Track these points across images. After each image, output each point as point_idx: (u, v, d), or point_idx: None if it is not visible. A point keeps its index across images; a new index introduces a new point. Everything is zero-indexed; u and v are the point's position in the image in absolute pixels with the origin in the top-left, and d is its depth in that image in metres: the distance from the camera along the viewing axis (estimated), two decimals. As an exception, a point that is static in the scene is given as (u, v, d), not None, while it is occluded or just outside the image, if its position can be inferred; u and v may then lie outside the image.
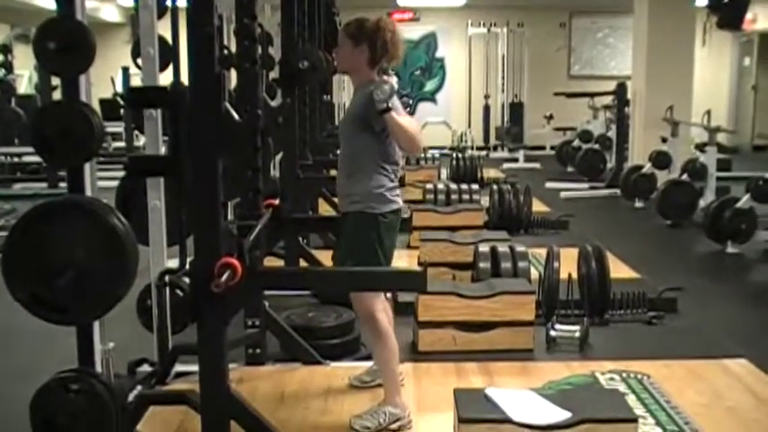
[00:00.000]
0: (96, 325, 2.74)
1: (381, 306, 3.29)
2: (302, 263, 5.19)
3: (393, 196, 3.28)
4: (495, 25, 15.59)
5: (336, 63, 3.53)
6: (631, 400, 3.49)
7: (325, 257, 5.39)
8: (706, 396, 3.59)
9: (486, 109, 15.67)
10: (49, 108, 2.67)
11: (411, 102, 16.50)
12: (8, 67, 11.58)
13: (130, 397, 3.07)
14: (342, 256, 3.31)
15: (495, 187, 7.47)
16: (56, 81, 9.23)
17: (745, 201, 6.94)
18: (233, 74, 4.70)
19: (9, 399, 3.73)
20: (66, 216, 2.53)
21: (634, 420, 2.78)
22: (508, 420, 2.70)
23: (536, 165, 13.35)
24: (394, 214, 3.29)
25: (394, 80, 3.19)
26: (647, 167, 9.33)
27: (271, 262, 5.01)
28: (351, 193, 3.30)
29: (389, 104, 3.07)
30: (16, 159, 11.49)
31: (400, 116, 3.14)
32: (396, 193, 3.30)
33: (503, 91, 15.46)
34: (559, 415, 2.75)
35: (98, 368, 2.77)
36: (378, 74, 3.29)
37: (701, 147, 9.35)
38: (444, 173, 10.25)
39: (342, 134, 3.43)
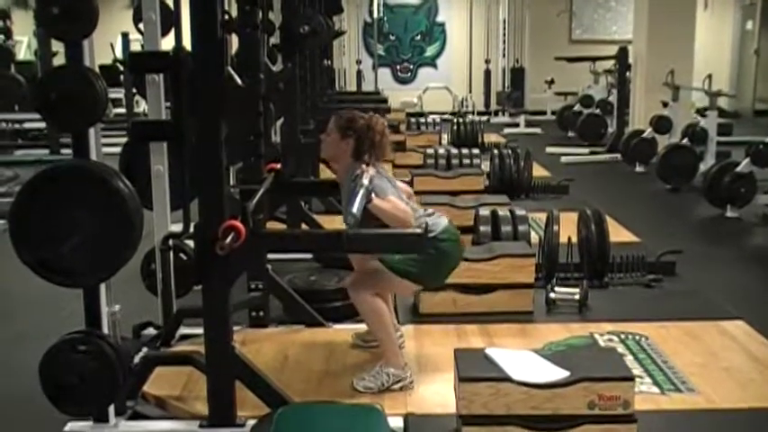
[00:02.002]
0: (102, 288, 2.79)
1: (372, 294, 3.33)
2: (304, 227, 5.22)
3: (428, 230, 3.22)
4: (496, -11, 15.49)
5: (321, 149, 3.55)
6: (629, 360, 3.54)
7: (327, 222, 5.43)
8: (702, 356, 3.64)
9: (487, 74, 15.61)
10: (54, 73, 2.69)
11: (411, 67, 16.45)
12: (7, 33, 11.53)
13: (137, 358, 3.13)
14: None
15: (495, 152, 7.49)
16: (56, 47, 9.15)
17: (744, 165, 6.96)
18: (234, 39, 4.70)
19: (16, 362, 3.80)
20: (72, 180, 2.57)
21: (631, 379, 2.83)
22: (507, 379, 2.75)
23: (537, 129, 13.34)
24: (437, 243, 3.27)
25: (370, 172, 3.17)
26: (648, 132, 9.34)
27: (273, 226, 5.05)
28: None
29: (369, 198, 3.07)
30: (17, 126, 11.49)
31: (384, 200, 3.13)
32: (429, 223, 3.26)
33: (504, 56, 15.38)
34: (558, 374, 2.80)
35: (105, 330, 2.82)
36: (358, 163, 3.29)
37: (701, 111, 9.35)
38: (445, 138, 10.25)
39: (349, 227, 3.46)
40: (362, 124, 3.36)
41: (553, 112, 13.95)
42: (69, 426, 2.93)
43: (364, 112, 3.52)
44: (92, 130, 2.67)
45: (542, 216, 5.10)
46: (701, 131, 8.50)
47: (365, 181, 3.11)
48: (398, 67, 16.54)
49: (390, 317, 3.38)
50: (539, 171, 8.32)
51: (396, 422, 2.93)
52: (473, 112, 14.66)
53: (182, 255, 3.63)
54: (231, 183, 4.68)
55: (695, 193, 7.69)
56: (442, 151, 7.84)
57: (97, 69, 2.81)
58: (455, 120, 10.61)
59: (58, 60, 9.30)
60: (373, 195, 3.10)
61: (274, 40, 6.37)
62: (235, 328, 3.04)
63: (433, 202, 5.48)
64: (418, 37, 16.47)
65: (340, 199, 3.57)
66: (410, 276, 3.30)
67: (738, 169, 6.96)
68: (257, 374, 2.88)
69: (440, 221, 3.36)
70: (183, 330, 3.68)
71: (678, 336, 3.89)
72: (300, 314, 3.96)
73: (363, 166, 3.25)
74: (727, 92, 11.73)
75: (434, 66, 16.59)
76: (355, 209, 2.99)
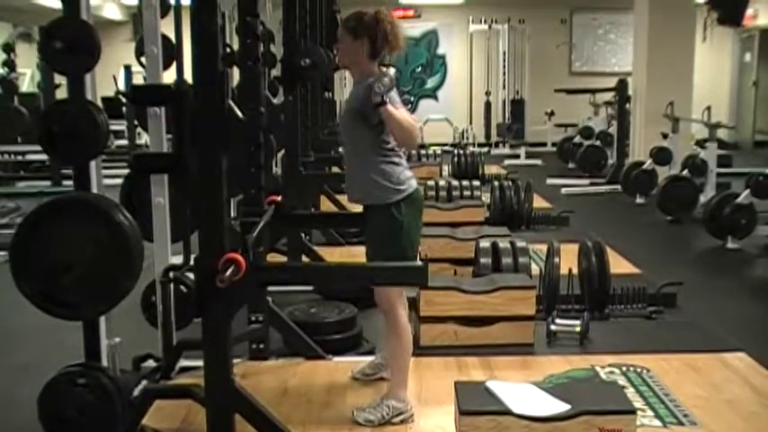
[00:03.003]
0: (102, 320, 2.78)
1: (402, 300, 3.33)
2: (304, 259, 5.22)
3: (402, 182, 3.25)
4: (496, 22, 15.62)
5: (337, 58, 3.53)
6: (630, 393, 3.52)
7: (328, 253, 5.43)
8: (705, 389, 3.62)
9: (488, 106, 15.69)
10: (56, 107, 2.71)
11: (412, 99, 16.53)
12: (11, 65, 11.62)
13: (136, 391, 3.11)
14: (369, 253, 3.35)
15: (496, 183, 7.50)
16: (59, 79, 9.22)
17: (745, 196, 6.97)
18: (235, 71, 4.73)
19: (15, 395, 3.78)
20: (72, 213, 2.57)
21: (632, 412, 2.82)
22: (508, 412, 2.74)
23: (537, 161, 13.38)
24: (409, 198, 3.25)
25: (392, 72, 3.17)
26: (648, 163, 9.37)
27: (273, 258, 5.05)
28: (359, 189, 3.33)
29: (386, 98, 3.07)
30: (20, 158, 11.54)
31: (396, 106, 3.15)
32: (405, 176, 3.27)
33: (504, 88, 15.48)
34: (559, 407, 2.79)
35: (104, 363, 2.81)
36: (378, 66, 3.29)
37: (701, 143, 9.39)
38: (446, 169, 10.28)
39: (342, 129, 3.46)
40: (370, 19, 3.27)
41: (553, 144, 14.01)
42: (68, 459, 2.91)
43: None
44: (93, 163, 2.69)
45: (543, 248, 5.10)
46: (701, 163, 8.53)
47: (392, 72, 3.10)
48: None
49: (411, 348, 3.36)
50: (539, 202, 8.33)
51: (396, 456, 2.92)
52: (473, 144, 14.72)
53: (182, 287, 3.63)
54: (232, 215, 4.69)
55: (695, 225, 7.69)
56: (442, 183, 7.86)
57: (99, 102, 2.83)
58: (456, 151, 10.64)
59: (61, 93, 9.36)
60: (387, 99, 3.08)
61: (276, 72, 6.42)
62: (235, 360, 3.03)
63: (434, 233, 5.50)
64: (419, 69, 16.59)
65: (341, 232, 3.57)
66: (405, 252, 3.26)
67: (738, 200, 6.97)
68: (257, 408, 2.86)
69: (413, 182, 3.32)
70: (183, 363, 3.67)
71: (680, 368, 3.87)
72: (300, 346, 3.95)
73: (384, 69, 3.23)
74: (727, 123, 11.78)
75: (435, 98, 16.68)
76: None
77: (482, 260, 4.81)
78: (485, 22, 15.73)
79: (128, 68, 11.33)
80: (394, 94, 3.20)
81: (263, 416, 2.86)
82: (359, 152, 3.30)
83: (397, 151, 3.29)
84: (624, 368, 3.88)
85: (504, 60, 15.43)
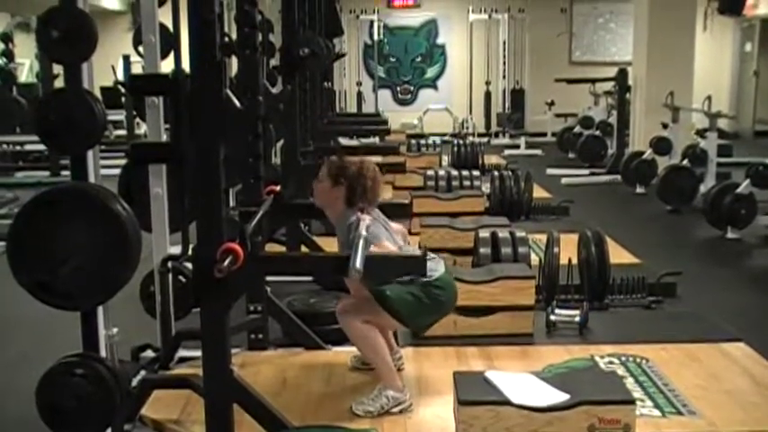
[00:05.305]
0: (100, 310, 2.78)
1: (366, 319, 3.29)
2: (304, 249, 5.21)
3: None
4: (495, 11, 15.58)
5: (313, 196, 3.58)
6: (630, 383, 3.52)
7: (327, 244, 5.42)
8: (704, 379, 3.61)
9: (488, 95, 15.67)
10: (53, 96, 2.70)
11: (412, 89, 16.51)
12: (9, 55, 11.60)
13: (134, 381, 3.12)
14: None
15: (496, 173, 7.47)
16: (57, 69, 9.23)
17: (745, 186, 6.96)
18: (234, 61, 4.71)
19: (13, 385, 3.78)
20: (70, 203, 2.56)
21: (632, 402, 2.82)
22: (507, 402, 2.73)
23: (537, 151, 13.37)
24: (432, 286, 3.26)
25: (366, 221, 3.20)
26: (648, 153, 9.36)
27: (272, 248, 5.05)
28: None
29: (361, 265, 3.04)
30: (18, 148, 11.52)
31: (378, 246, 3.15)
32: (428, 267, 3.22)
33: (504, 77, 15.45)
34: (558, 397, 2.78)
35: (102, 353, 2.80)
36: (353, 210, 3.32)
37: (701, 132, 9.38)
38: (445, 159, 10.26)
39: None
40: (353, 171, 3.37)
41: (553, 134, 13.99)
42: (66, 449, 2.91)
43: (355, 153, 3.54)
44: (90, 153, 2.67)
45: (542, 237, 5.09)
46: (701, 153, 8.52)
47: (363, 231, 3.10)
48: (399, 88, 16.61)
49: (382, 340, 3.33)
50: (539, 192, 8.31)
51: (395, 446, 2.91)
52: (473, 134, 14.70)
53: (180, 277, 3.63)
54: (230, 205, 4.68)
55: (695, 215, 7.69)
56: (442, 173, 7.83)
57: (98, 91, 2.82)
58: (455, 141, 10.61)
59: (60, 82, 9.35)
60: (364, 263, 3.09)
61: (275, 61, 6.40)
62: (233, 350, 3.02)
63: (433, 223, 5.49)
64: (419, 59, 16.54)
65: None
66: (396, 315, 3.27)
67: (739, 190, 6.97)
68: (255, 398, 2.86)
69: (437, 268, 3.33)
70: (182, 353, 3.67)
71: (679, 358, 3.87)
72: (299, 337, 3.95)
73: (359, 213, 3.26)
74: (727, 113, 11.77)
75: (435, 87, 16.65)
76: (359, 264, 2.93)
77: (481, 250, 4.80)
78: (484, 11, 15.68)
79: (126, 58, 11.31)
80: (375, 228, 3.22)
81: (261, 406, 2.86)
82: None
83: None
84: (623, 358, 3.87)
85: (504, 50, 15.40)
